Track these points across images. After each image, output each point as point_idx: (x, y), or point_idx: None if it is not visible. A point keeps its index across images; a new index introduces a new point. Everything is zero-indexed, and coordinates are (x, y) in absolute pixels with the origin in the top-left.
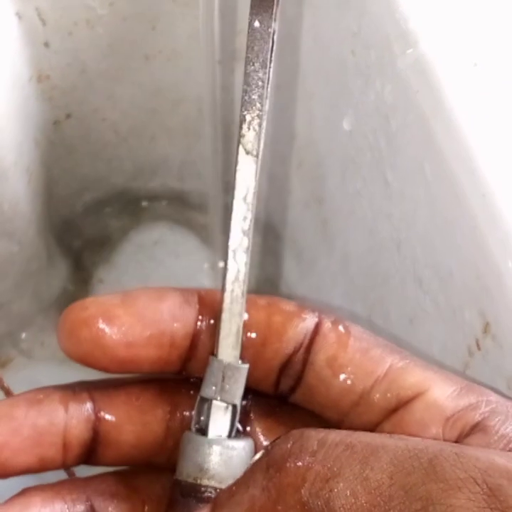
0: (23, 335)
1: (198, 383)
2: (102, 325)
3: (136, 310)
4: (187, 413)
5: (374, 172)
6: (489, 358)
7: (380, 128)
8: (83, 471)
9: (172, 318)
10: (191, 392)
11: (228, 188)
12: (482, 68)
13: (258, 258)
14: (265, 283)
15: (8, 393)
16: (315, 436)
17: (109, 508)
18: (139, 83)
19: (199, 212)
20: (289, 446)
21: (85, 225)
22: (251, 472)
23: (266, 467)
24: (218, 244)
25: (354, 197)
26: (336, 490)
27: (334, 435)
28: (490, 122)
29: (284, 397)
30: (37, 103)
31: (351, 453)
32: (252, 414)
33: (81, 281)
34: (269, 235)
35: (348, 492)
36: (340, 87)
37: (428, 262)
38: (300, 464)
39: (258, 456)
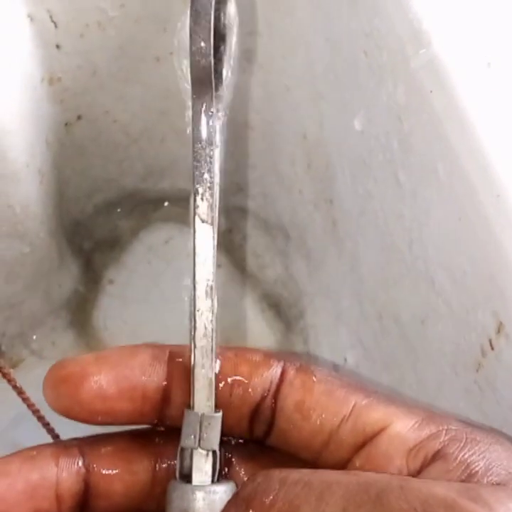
0: (35, 335)
1: (179, 433)
2: (77, 382)
3: (108, 367)
4: (171, 462)
5: (386, 172)
6: (502, 357)
7: (392, 128)
8: None
9: (142, 373)
10: (174, 441)
11: (237, 188)
12: (496, 68)
13: (267, 259)
14: (275, 284)
15: (20, 393)
16: (277, 475)
17: None
18: (150, 85)
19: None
20: (255, 485)
21: (96, 226)
22: (226, 509)
23: (236, 505)
24: (226, 244)
25: (365, 198)
26: None
27: (294, 474)
28: (504, 122)
29: (260, 441)
30: (48, 105)
31: (309, 490)
32: (234, 459)
33: (91, 281)
34: (278, 236)
35: None
36: (351, 87)
37: (441, 262)
38: (265, 501)
39: (229, 500)
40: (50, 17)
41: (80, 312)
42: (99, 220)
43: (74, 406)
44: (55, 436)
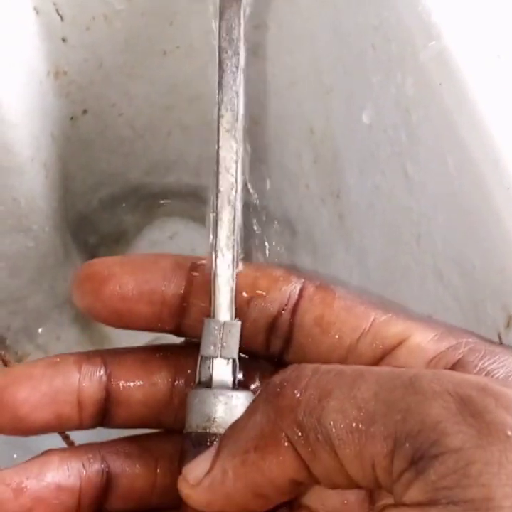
0: (40, 330)
1: (197, 346)
2: (101, 281)
3: (131, 269)
4: (190, 374)
5: (394, 166)
6: None
7: (400, 121)
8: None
9: (163, 278)
10: (192, 355)
11: (244, 183)
12: (506, 60)
13: (274, 253)
14: None
15: None
16: (310, 366)
17: (124, 466)
18: (156, 79)
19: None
20: (286, 375)
21: (101, 220)
22: (253, 403)
23: (265, 395)
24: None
25: (372, 191)
26: (326, 408)
27: (326, 365)
28: None
29: (277, 357)
30: (54, 98)
31: (341, 377)
32: (251, 376)
33: None
34: (285, 230)
35: (338, 409)
36: (359, 81)
37: (449, 255)
38: (296, 388)
39: (259, 391)
40: (56, 10)
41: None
42: (104, 215)
43: (96, 303)
44: (66, 437)
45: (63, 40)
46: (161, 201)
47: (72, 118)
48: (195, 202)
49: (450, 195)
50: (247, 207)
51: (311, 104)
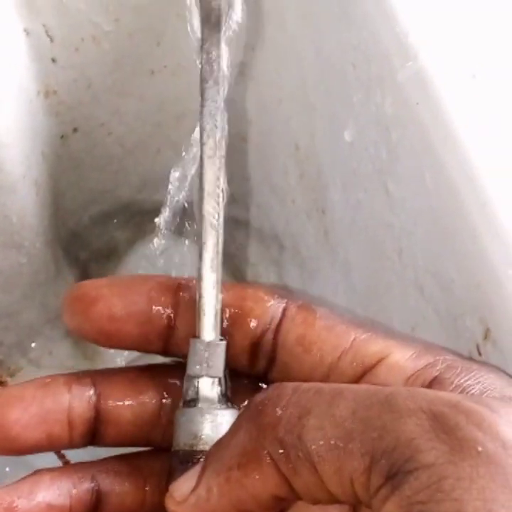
0: (32, 345)
1: (184, 365)
2: (89, 302)
3: (119, 290)
4: (177, 393)
5: (375, 182)
6: (490, 362)
7: (380, 139)
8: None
9: (150, 299)
10: (180, 374)
11: (232, 200)
12: (481, 80)
13: (262, 268)
14: None
15: None
16: (290, 385)
17: (114, 485)
18: (144, 98)
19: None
20: (268, 393)
21: (92, 236)
22: (236, 421)
23: (248, 414)
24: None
25: (355, 207)
26: (306, 426)
27: (306, 384)
28: (489, 133)
29: (262, 376)
30: (44, 118)
31: (320, 395)
32: (235, 395)
33: None
34: (272, 245)
35: (317, 427)
36: (341, 99)
37: (429, 270)
38: (277, 406)
39: (242, 410)
40: (46, 31)
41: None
42: (95, 231)
43: (85, 324)
44: (62, 456)
45: (53, 60)
46: (152, 217)
47: (62, 136)
48: (184, 218)
49: (428, 210)
50: (236, 222)
51: (297, 122)
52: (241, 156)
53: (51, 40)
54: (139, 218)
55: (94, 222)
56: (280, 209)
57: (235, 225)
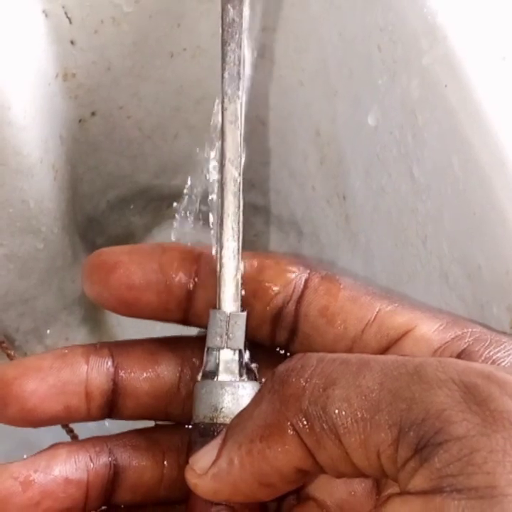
0: (48, 331)
1: (204, 338)
2: (108, 269)
3: (138, 258)
4: (196, 365)
5: (400, 167)
6: None
7: (406, 123)
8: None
9: (170, 268)
10: (199, 346)
11: (250, 185)
12: (511, 62)
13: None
14: None
15: None
16: (315, 355)
17: (131, 459)
18: (163, 80)
19: None
20: (292, 364)
21: (109, 222)
22: (259, 392)
23: (271, 385)
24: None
25: (378, 193)
26: (331, 397)
27: (332, 354)
28: None
29: (283, 347)
30: (63, 101)
31: (346, 365)
32: (257, 366)
33: None
34: (291, 232)
35: (343, 398)
36: (365, 82)
37: (455, 257)
38: (301, 377)
39: (265, 380)
40: (65, 13)
41: (93, 308)
42: (113, 217)
43: (104, 292)
44: (70, 431)
45: (72, 42)
46: (169, 203)
47: (80, 120)
48: (202, 203)
49: (456, 196)
50: (254, 208)
51: (318, 106)
52: (259, 140)
53: (70, 21)
54: (157, 204)
55: (111, 208)
56: (299, 195)
57: (253, 211)
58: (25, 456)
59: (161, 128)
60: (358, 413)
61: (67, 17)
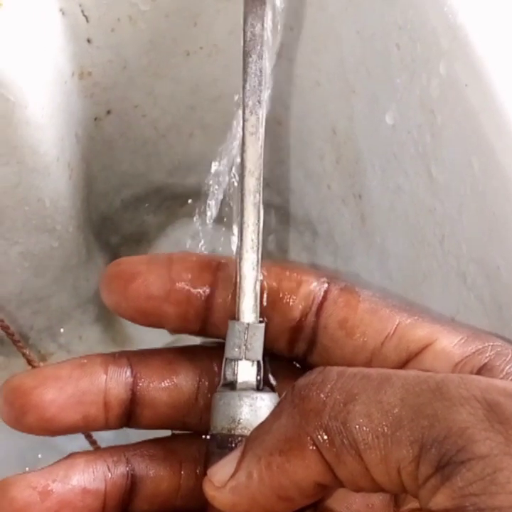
0: (62, 329)
1: (222, 348)
2: (127, 279)
3: (157, 268)
4: (215, 376)
5: (417, 167)
6: None
7: (425, 122)
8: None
9: (189, 278)
10: (217, 357)
11: (264, 184)
12: None
13: (294, 254)
14: None
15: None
16: (335, 369)
17: (149, 469)
18: (179, 79)
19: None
20: (312, 378)
21: (123, 221)
22: (278, 406)
23: (291, 398)
24: None
25: (395, 192)
26: (352, 412)
27: (352, 369)
28: None
29: (300, 359)
30: (78, 99)
31: (367, 380)
32: (275, 378)
33: None
34: (305, 231)
35: (363, 414)
36: (383, 81)
37: (473, 257)
38: (321, 391)
39: (284, 394)
40: (82, 11)
41: (106, 307)
42: (127, 215)
43: (122, 302)
44: (89, 436)
45: (88, 41)
46: (183, 202)
47: (96, 119)
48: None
49: (475, 196)
50: (269, 207)
51: (335, 105)
52: (275, 139)
53: (87, 20)
54: (170, 202)
55: (125, 206)
56: (315, 194)
57: (267, 210)
58: (39, 456)
59: (175, 127)
60: (379, 429)
61: (84, 15)
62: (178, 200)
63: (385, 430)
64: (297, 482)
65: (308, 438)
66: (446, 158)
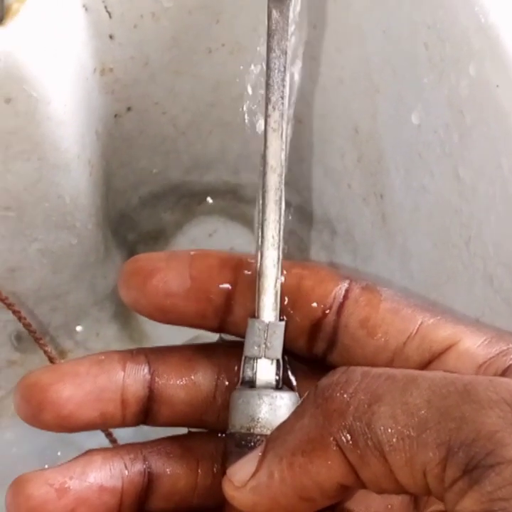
0: (79, 326)
1: (241, 346)
2: (146, 276)
3: (177, 265)
4: (233, 374)
5: (444, 167)
6: None
7: (452, 122)
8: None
9: (209, 276)
10: (236, 355)
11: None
12: None
13: (313, 253)
14: None
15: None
16: (359, 369)
17: (166, 467)
18: (200, 76)
19: (253, 206)
20: (335, 378)
21: (141, 218)
22: (301, 405)
23: (314, 398)
24: None
25: (419, 192)
26: (377, 413)
27: (377, 369)
28: None
29: (320, 359)
30: (99, 96)
31: (392, 381)
32: (294, 377)
33: None
34: (324, 230)
35: (389, 415)
36: (409, 80)
37: (501, 259)
38: (345, 391)
39: (307, 393)
40: (105, 7)
41: (124, 304)
42: (144, 213)
43: (141, 299)
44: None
45: (111, 37)
46: (201, 199)
47: (116, 115)
48: (234, 200)
49: (505, 198)
50: (287, 205)
51: (358, 104)
52: (295, 137)
53: (110, 16)
54: (188, 200)
55: (143, 204)
56: (334, 193)
57: (286, 207)
58: (59, 453)
59: (195, 124)
60: (405, 431)
61: (107, 11)
62: (195, 197)
63: (411, 432)
64: (319, 483)
65: (332, 439)
66: (475, 158)
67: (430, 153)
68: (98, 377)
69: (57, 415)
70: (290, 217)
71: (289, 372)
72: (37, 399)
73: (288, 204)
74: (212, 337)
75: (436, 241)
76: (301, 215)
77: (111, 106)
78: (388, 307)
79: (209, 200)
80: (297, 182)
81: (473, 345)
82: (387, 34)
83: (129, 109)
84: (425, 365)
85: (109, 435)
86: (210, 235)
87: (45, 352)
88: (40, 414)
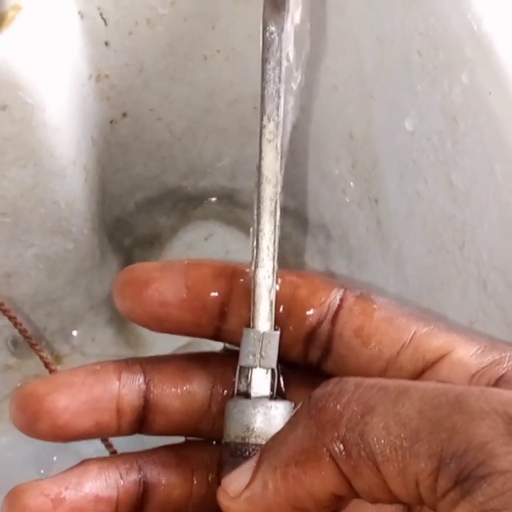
0: (75, 331)
1: (236, 355)
2: (141, 285)
3: (171, 275)
4: (228, 383)
5: (437, 173)
6: None
7: (446, 129)
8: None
9: (204, 285)
10: (231, 364)
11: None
12: None
13: (307, 258)
14: None
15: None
16: (352, 380)
17: (161, 476)
18: (195, 83)
19: (249, 211)
20: (328, 389)
21: (136, 223)
22: (294, 416)
23: (307, 409)
24: None
25: (413, 198)
26: (370, 424)
27: (369, 379)
28: None
29: (315, 367)
30: (95, 102)
31: (385, 392)
32: (289, 385)
33: None
34: (319, 235)
35: (381, 426)
36: (403, 87)
37: (495, 265)
38: (338, 402)
39: (301, 404)
40: (100, 14)
41: None
42: (140, 218)
43: (136, 308)
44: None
45: (106, 44)
46: (197, 204)
47: (111, 121)
48: (230, 204)
49: (496, 204)
50: (282, 210)
51: (352, 109)
52: (290, 142)
53: (105, 23)
54: (184, 205)
55: (139, 209)
56: (329, 198)
57: (282, 213)
58: (54, 458)
59: (191, 130)
60: (397, 441)
61: (103, 18)
62: (191, 202)
63: (403, 443)
64: (313, 493)
65: (325, 449)
66: (468, 165)
67: (424, 159)
68: (93, 387)
69: (52, 425)
70: (286, 222)
71: (282, 382)
72: (33, 409)
73: (282, 209)
74: (207, 342)
75: (431, 246)
76: (297, 219)
77: (106, 112)
78: (382, 316)
79: (205, 204)
80: (292, 186)
81: (466, 354)
82: (380, 41)
83: (124, 115)
84: (418, 374)
85: (104, 440)
86: (206, 239)
87: (41, 357)
88: (35, 424)
